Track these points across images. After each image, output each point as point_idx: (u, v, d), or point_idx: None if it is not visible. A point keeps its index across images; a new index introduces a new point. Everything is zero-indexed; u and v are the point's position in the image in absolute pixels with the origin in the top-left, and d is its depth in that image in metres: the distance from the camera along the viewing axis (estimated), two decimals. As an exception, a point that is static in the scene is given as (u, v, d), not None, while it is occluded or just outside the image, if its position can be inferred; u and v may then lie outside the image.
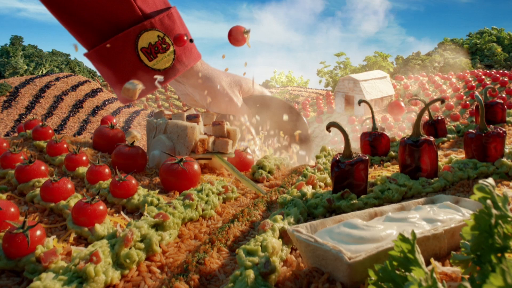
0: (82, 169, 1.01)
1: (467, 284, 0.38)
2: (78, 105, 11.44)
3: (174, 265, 0.65)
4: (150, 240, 0.67)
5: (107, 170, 0.96)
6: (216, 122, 1.22)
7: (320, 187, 0.96)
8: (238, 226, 0.78)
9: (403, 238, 0.42)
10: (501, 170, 0.91)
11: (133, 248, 0.64)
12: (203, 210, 0.84)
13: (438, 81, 12.50)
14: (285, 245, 0.64)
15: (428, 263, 0.53)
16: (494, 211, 0.41)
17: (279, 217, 0.70)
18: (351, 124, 10.83)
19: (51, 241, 0.66)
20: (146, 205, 0.82)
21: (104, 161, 1.15)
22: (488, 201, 0.42)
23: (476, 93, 0.99)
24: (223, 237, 0.72)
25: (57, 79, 12.29)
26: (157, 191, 0.90)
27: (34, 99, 11.32)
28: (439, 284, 0.38)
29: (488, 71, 12.69)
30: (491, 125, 0.98)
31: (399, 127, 10.18)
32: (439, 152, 1.15)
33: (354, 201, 0.80)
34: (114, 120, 1.41)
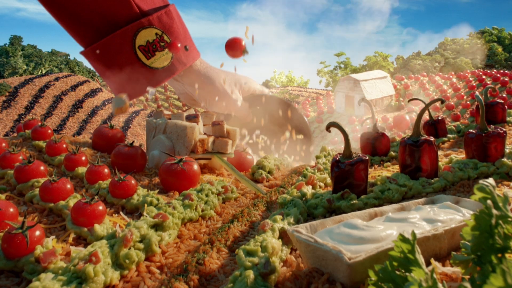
0: (82, 169, 1.01)
1: (468, 285, 0.38)
2: (77, 105, 11.45)
3: (174, 266, 0.65)
4: (150, 241, 0.66)
5: (106, 170, 0.96)
6: (216, 122, 1.21)
7: (320, 187, 0.96)
8: (238, 226, 0.77)
9: (403, 239, 0.42)
10: (501, 170, 0.91)
11: (132, 248, 0.64)
12: (202, 211, 0.84)
13: (438, 81, 12.50)
14: (285, 246, 0.64)
15: (428, 263, 0.52)
16: (494, 212, 0.41)
17: (279, 217, 0.69)
18: (351, 124, 10.84)
19: (50, 242, 0.66)
20: (146, 205, 0.82)
21: (103, 161, 1.15)
22: (489, 201, 0.42)
23: (477, 93, 0.99)
24: (222, 238, 0.72)
25: (57, 79, 12.30)
26: (156, 191, 0.90)
27: (34, 99, 11.32)
28: (439, 285, 0.38)
29: (488, 71, 12.69)
30: (491, 125, 0.98)
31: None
32: (440, 152, 1.15)
33: (354, 201, 0.80)
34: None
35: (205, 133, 1.23)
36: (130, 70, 1.22)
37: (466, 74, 12.62)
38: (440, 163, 0.96)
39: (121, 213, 0.81)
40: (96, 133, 1.27)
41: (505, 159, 0.92)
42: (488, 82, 11.56)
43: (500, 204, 0.42)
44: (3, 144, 1.16)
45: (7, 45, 20.45)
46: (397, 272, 0.41)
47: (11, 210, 0.73)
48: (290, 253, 0.65)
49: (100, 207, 0.73)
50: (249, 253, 0.57)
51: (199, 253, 0.66)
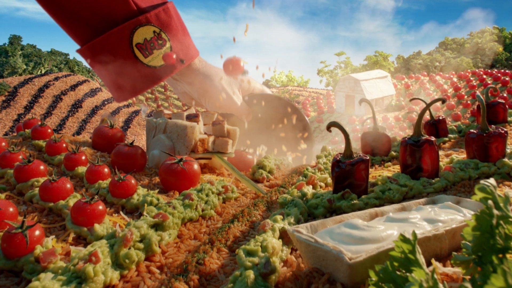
0: (81, 169, 1.01)
1: (468, 285, 0.38)
2: (77, 105, 11.45)
3: (174, 266, 0.64)
4: (150, 240, 0.66)
5: (106, 170, 0.96)
6: (216, 122, 1.21)
7: (321, 187, 0.96)
8: (238, 226, 0.77)
9: (404, 239, 0.42)
10: (502, 170, 0.91)
11: (132, 248, 0.64)
12: (202, 210, 0.84)
13: (439, 80, 12.49)
14: (285, 246, 0.64)
15: (429, 263, 0.52)
16: (495, 212, 0.41)
17: (279, 217, 0.69)
18: (351, 124, 10.83)
19: (50, 241, 0.66)
20: (146, 205, 0.82)
21: (103, 160, 1.15)
22: (490, 202, 0.42)
23: (478, 93, 0.99)
24: (223, 237, 0.72)
25: (56, 78, 12.29)
26: (156, 191, 0.89)
27: (33, 98, 11.32)
28: (440, 285, 0.38)
29: (489, 71, 12.68)
30: (492, 125, 0.97)
31: (400, 127, 10.17)
32: (440, 152, 1.15)
33: (354, 201, 0.80)
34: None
35: (205, 133, 1.23)
36: (127, 68, 1.20)
37: (467, 74, 12.61)
38: (441, 163, 0.95)
39: (121, 212, 0.81)
40: (96, 133, 1.26)
41: (506, 159, 0.92)
42: (489, 82, 11.55)
43: (501, 205, 0.42)
44: (3, 144, 1.16)
45: (6, 45, 20.47)
46: (398, 273, 0.41)
47: (11, 209, 0.73)
48: (291, 253, 0.65)
49: (100, 207, 0.73)
50: (250, 253, 0.57)
51: (199, 253, 0.66)
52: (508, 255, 0.40)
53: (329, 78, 25.81)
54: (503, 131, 0.94)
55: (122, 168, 1.04)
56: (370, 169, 0.99)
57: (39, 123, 1.27)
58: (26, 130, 1.31)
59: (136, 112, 11.83)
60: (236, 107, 1.44)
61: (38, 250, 0.62)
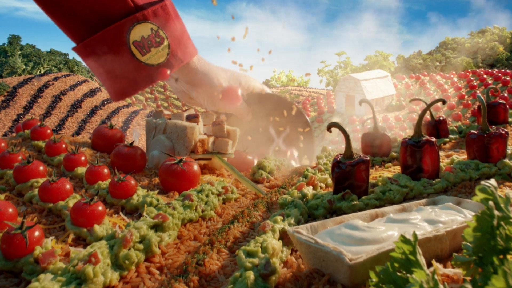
0: (81, 170, 1.01)
1: (469, 286, 0.38)
2: (76, 105, 11.44)
3: (174, 266, 0.64)
4: (149, 241, 0.66)
5: (106, 171, 0.96)
6: (216, 122, 1.21)
7: (321, 188, 0.96)
8: (238, 227, 0.77)
9: (404, 240, 0.42)
10: (503, 171, 0.91)
11: (132, 249, 0.63)
12: (202, 211, 0.83)
13: (439, 80, 12.49)
14: (285, 246, 0.63)
15: (429, 264, 0.52)
16: (496, 213, 0.41)
17: (279, 218, 0.69)
18: (352, 124, 10.83)
19: (50, 242, 0.66)
20: (145, 205, 0.82)
21: (103, 161, 1.15)
22: (490, 203, 0.42)
23: (478, 93, 0.99)
24: (223, 238, 0.72)
25: (56, 78, 12.28)
26: (156, 191, 0.89)
27: (32, 99, 11.31)
28: (441, 286, 0.38)
29: (490, 70, 12.68)
30: (493, 126, 0.97)
31: (400, 127, 10.18)
32: (441, 153, 1.15)
33: (355, 202, 0.80)
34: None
35: (205, 133, 1.22)
36: (124, 67, 1.17)
37: (467, 74, 12.61)
38: (441, 164, 0.95)
39: (120, 213, 0.81)
40: (96, 133, 1.26)
41: (507, 160, 0.92)
42: (490, 82, 11.55)
43: (502, 205, 0.42)
44: (2, 144, 1.16)
45: (5, 45, 20.49)
46: (398, 274, 0.41)
47: (10, 210, 0.73)
48: (291, 254, 0.64)
49: (100, 208, 0.73)
50: (250, 254, 0.57)
51: (199, 254, 0.65)
52: (509, 256, 0.40)
53: (329, 78, 25.81)
54: (503, 132, 0.93)
55: (121, 168, 1.04)
56: (370, 170, 0.99)
57: (39, 123, 1.27)
58: (26, 130, 1.31)
59: (136, 112, 11.83)
60: (236, 107, 1.42)
61: (38, 251, 0.62)
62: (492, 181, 0.44)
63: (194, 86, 1.35)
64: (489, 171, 0.91)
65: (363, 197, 0.81)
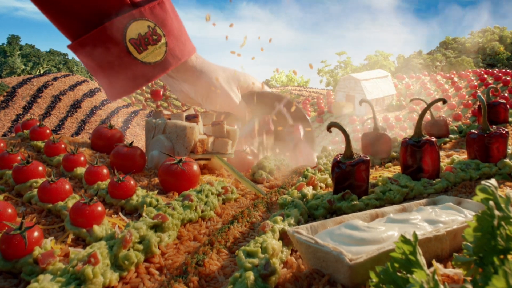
0: (80, 170, 1.01)
1: (469, 286, 0.38)
2: (76, 105, 11.42)
3: (173, 267, 0.64)
4: (149, 242, 0.66)
5: (105, 171, 0.96)
6: (216, 122, 1.21)
7: (321, 188, 0.95)
8: (238, 227, 0.77)
9: (404, 240, 0.41)
10: (503, 171, 0.91)
11: (131, 249, 0.63)
12: (202, 211, 0.83)
13: (440, 80, 12.49)
14: (285, 247, 0.63)
15: (430, 264, 0.52)
16: (496, 213, 0.41)
17: (279, 218, 0.69)
18: (352, 124, 10.83)
19: (49, 243, 0.66)
20: (145, 206, 0.82)
21: (102, 161, 1.15)
22: (491, 202, 0.41)
23: (479, 93, 0.99)
24: (222, 239, 0.71)
25: (55, 79, 12.25)
26: (156, 192, 0.89)
27: (32, 99, 11.30)
28: (441, 286, 0.37)
29: (490, 70, 12.68)
30: (493, 126, 0.97)
31: (400, 127, 10.17)
32: (441, 153, 1.15)
33: (355, 202, 0.79)
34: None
35: (205, 133, 1.22)
36: (120, 65, 1.15)
37: (468, 74, 12.60)
38: (441, 164, 0.95)
39: (120, 214, 0.81)
40: (95, 133, 1.26)
41: (507, 160, 0.92)
42: (490, 82, 11.54)
43: (502, 205, 0.42)
44: (1, 144, 1.15)
45: (5, 45, 20.50)
46: (399, 274, 0.41)
47: (9, 210, 0.73)
48: (291, 254, 0.64)
49: (99, 208, 0.73)
50: (249, 254, 0.56)
51: (199, 254, 0.65)
52: (509, 256, 0.40)
53: (330, 78, 25.81)
54: (504, 132, 0.93)
55: (121, 169, 1.04)
56: (370, 170, 0.99)
57: (38, 123, 1.27)
58: (25, 130, 1.31)
59: (136, 113, 11.83)
60: (235, 106, 1.40)
61: (37, 251, 0.62)
62: (493, 181, 0.44)
63: (192, 85, 1.33)
64: (490, 171, 0.91)
65: (363, 197, 0.81)
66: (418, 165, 0.90)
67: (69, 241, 0.70)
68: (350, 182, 0.82)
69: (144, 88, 14.20)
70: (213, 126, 1.21)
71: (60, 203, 0.81)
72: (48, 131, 1.26)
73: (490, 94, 1.39)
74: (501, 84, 11.37)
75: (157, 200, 0.84)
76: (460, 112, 10.10)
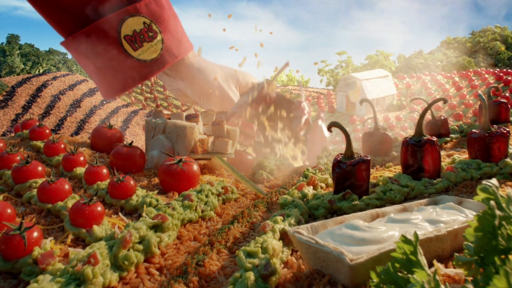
0: (80, 170, 1.01)
1: (470, 286, 0.38)
2: (75, 105, 11.42)
3: (173, 267, 0.64)
4: (149, 242, 0.66)
5: (105, 171, 0.96)
6: (216, 122, 1.20)
7: (321, 188, 0.95)
8: (238, 227, 0.77)
9: (405, 240, 0.41)
10: (505, 170, 0.90)
11: (131, 249, 0.63)
12: (202, 211, 0.83)
13: (440, 80, 12.48)
14: (285, 247, 0.63)
15: (430, 265, 0.52)
16: (497, 212, 0.41)
17: (279, 218, 0.69)
18: (352, 124, 10.83)
19: (48, 243, 0.65)
20: (145, 206, 0.81)
21: (102, 161, 1.15)
22: (492, 202, 0.41)
23: (480, 92, 0.98)
24: (222, 239, 0.71)
25: (54, 78, 12.25)
26: (156, 192, 0.89)
27: (31, 98, 11.29)
28: (442, 286, 0.37)
29: (491, 70, 12.67)
30: (494, 125, 0.97)
31: (401, 127, 10.17)
32: (442, 153, 1.14)
33: (355, 202, 0.79)
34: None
35: (205, 133, 1.22)
36: (115, 62, 1.12)
37: (469, 73, 12.59)
38: (442, 164, 0.95)
39: (120, 214, 0.80)
40: (95, 133, 1.26)
41: (508, 159, 0.91)
42: (491, 81, 11.53)
43: (504, 205, 0.41)
44: (1, 144, 1.15)
45: (4, 44, 20.52)
46: (399, 274, 0.41)
47: (9, 211, 0.72)
48: (291, 255, 0.64)
49: (99, 208, 0.73)
50: (250, 255, 0.56)
51: (199, 254, 0.65)
52: (510, 256, 0.40)
53: (330, 78, 25.80)
54: (505, 131, 0.93)
55: (121, 169, 1.04)
56: (371, 170, 0.99)
57: (37, 123, 1.27)
58: (24, 130, 1.31)
59: (135, 112, 11.83)
60: (233, 104, 1.38)
61: (37, 251, 0.62)
62: (494, 181, 0.44)
63: (189, 83, 1.30)
64: (491, 170, 0.91)
65: (364, 197, 0.81)
66: (419, 165, 0.90)
67: (68, 241, 0.70)
68: (351, 182, 0.82)
69: (144, 88, 14.21)
70: (213, 126, 1.21)
71: (60, 203, 0.81)
72: (47, 131, 1.26)
73: (491, 94, 1.39)
74: (502, 84, 11.35)
75: (157, 200, 0.84)
76: (461, 112, 10.09)
